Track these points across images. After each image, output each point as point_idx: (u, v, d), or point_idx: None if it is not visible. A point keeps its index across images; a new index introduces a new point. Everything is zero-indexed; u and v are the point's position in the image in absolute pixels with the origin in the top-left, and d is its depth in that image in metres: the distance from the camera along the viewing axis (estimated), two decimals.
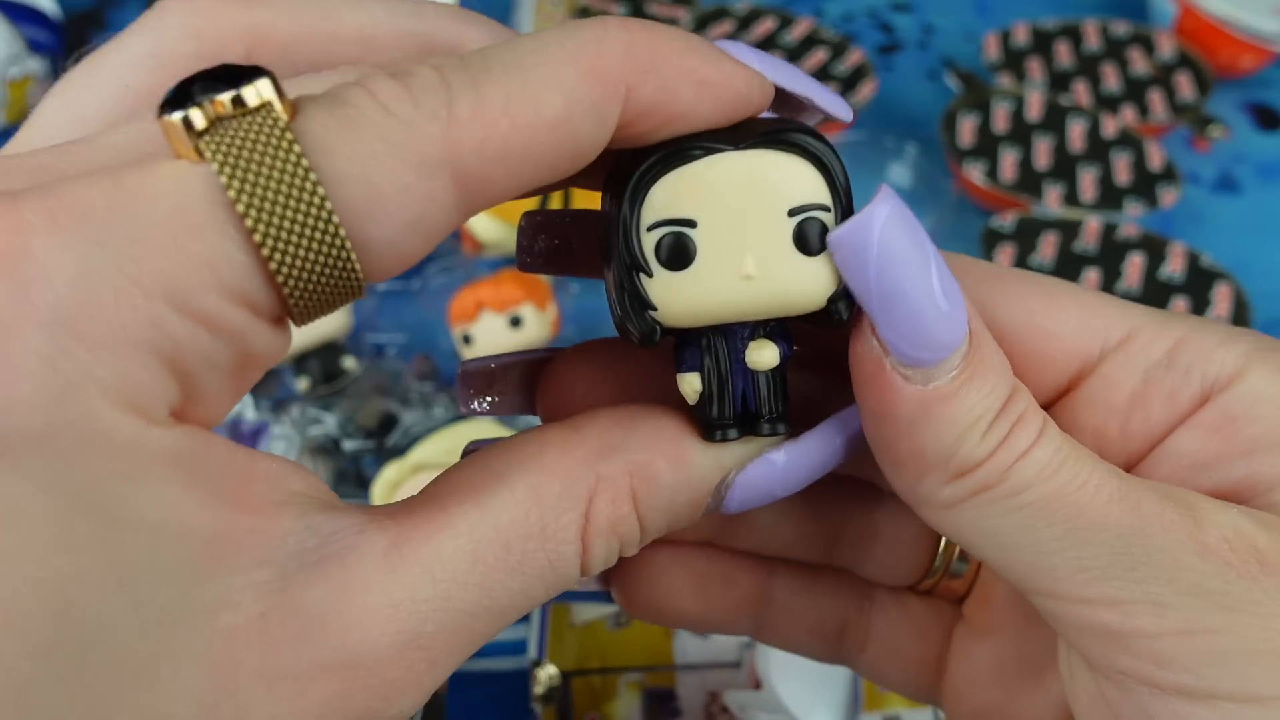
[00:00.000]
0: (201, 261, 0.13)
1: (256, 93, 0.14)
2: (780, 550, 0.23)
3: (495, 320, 0.44)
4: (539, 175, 0.16)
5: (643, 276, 0.17)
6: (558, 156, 0.15)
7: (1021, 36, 0.61)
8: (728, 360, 0.18)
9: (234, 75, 0.14)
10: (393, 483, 0.38)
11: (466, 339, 0.45)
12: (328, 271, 0.14)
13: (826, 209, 0.17)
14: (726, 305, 0.17)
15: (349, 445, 0.46)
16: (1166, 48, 0.60)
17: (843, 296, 0.17)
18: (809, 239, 0.17)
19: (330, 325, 0.45)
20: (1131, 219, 0.52)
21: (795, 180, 0.17)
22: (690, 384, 0.18)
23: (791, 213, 0.17)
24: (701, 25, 0.61)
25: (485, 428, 0.39)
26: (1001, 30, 0.61)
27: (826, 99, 0.18)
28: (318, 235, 0.14)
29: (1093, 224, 0.51)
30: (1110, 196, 0.52)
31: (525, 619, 0.36)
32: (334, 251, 0.14)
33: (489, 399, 0.21)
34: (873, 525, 0.22)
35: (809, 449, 0.18)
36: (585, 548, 0.17)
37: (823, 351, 0.19)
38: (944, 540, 0.22)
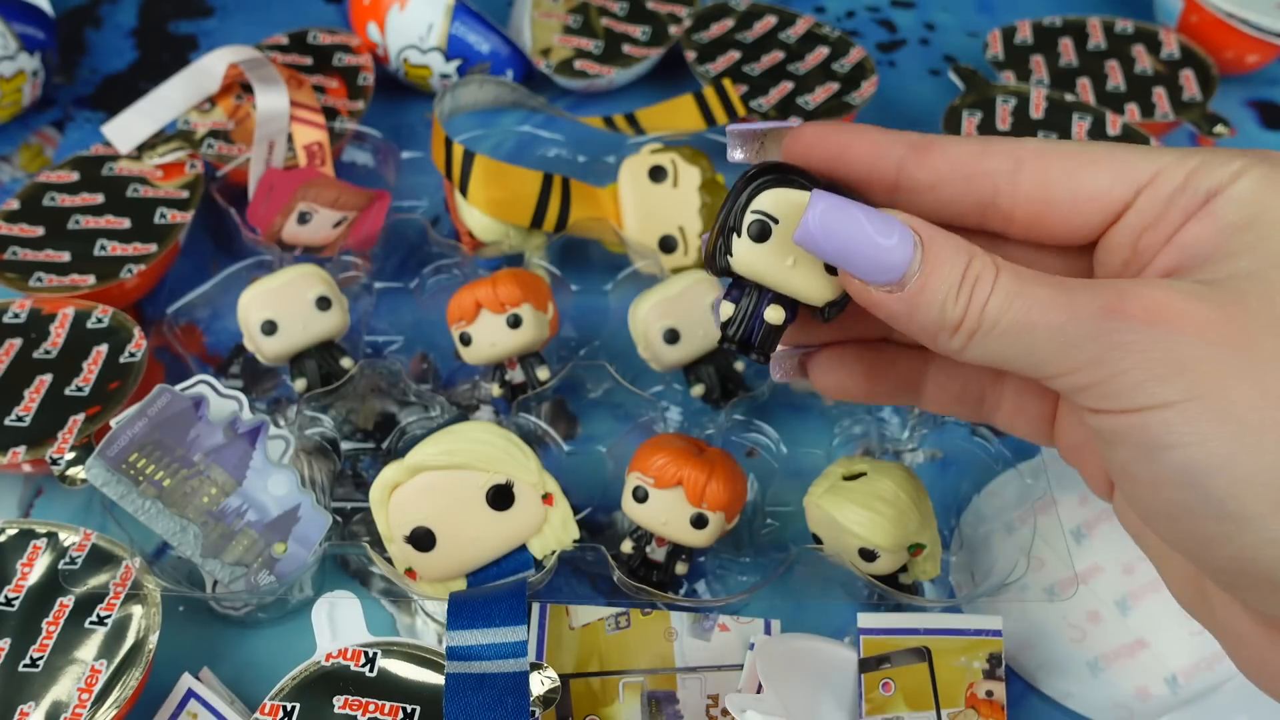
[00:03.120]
0: None
1: None
2: None
3: (494, 320, 0.44)
4: None
5: (735, 236, 0.29)
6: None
7: (1025, 33, 0.60)
8: (754, 307, 0.29)
9: None
10: (391, 484, 0.38)
11: (464, 339, 0.44)
12: None
13: None
14: (770, 275, 0.29)
15: (347, 446, 0.46)
16: (1171, 45, 0.59)
17: (834, 305, 0.29)
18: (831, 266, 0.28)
19: (327, 325, 0.44)
20: None
21: None
22: (725, 310, 0.30)
23: None
24: (701, 23, 0.60)
25: (484, 427, 0.38)
26: (1004, 27, 0.61)
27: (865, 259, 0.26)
28: None
29: None
30: None
31: (525, 621, 0.36)
32: None
33: (754, 151, 0.30)
34: None
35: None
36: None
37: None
38: None
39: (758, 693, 0.36)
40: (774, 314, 0.29)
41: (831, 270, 0.28)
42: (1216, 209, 0.26)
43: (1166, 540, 0.26)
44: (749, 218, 0.28)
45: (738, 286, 0.30)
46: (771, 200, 0.28)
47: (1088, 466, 0.30)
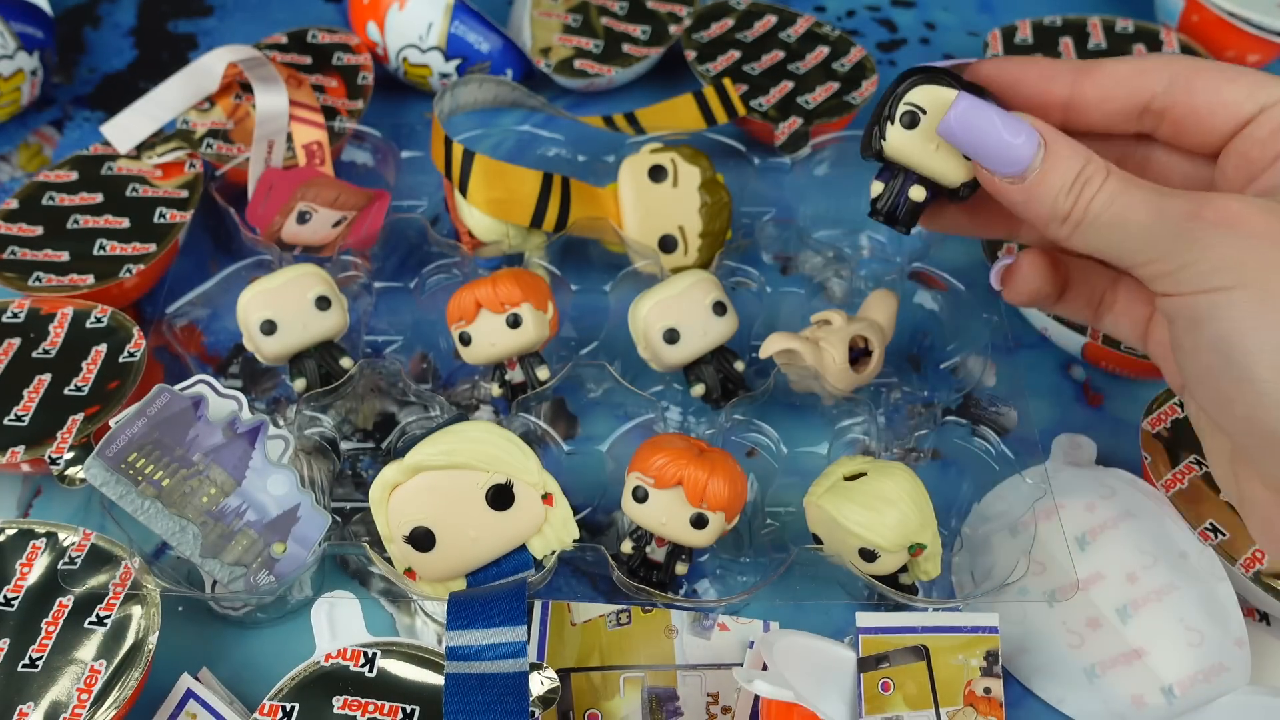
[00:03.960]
0: None
1: None
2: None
3: (493, 320, 0.43)
4: None
5: (888, 125, 0.35)
6: None
7: (1025, 33, 0.60)
8: (901, 185, 0.35)
9: None
10: (391, 483, 0.37)
11: (464, 339, 0.44)
12: None
13: None
14: (914, 158, 0.35)
15: (346, 446, 0.46)
16: (1172, 44, 0.59)
17: (968, 186, 0.35)
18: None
19: (327, 325, 0.44)
20: None
21: None
22: (875, 189, 0.36)
23: None
24: (701, 22, 0.60)
25: (484, 427, 0.38)
26: (1005, 26, 0.60)
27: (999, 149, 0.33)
28: None
29: None
30: None
31: (524, 621, 0.36)
32: None
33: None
34: None
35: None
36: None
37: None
38: None
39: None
40: (916, 192, 0.35)
41: (967, 156, 0.33)
42: None
43: (1201, 404, 0.33)
44: (902, 108, 0.34)
45: (888, 169, 0.36)
46: (922, 95, 0.34)
47: (1168, 364, 0.36)
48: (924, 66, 0.35)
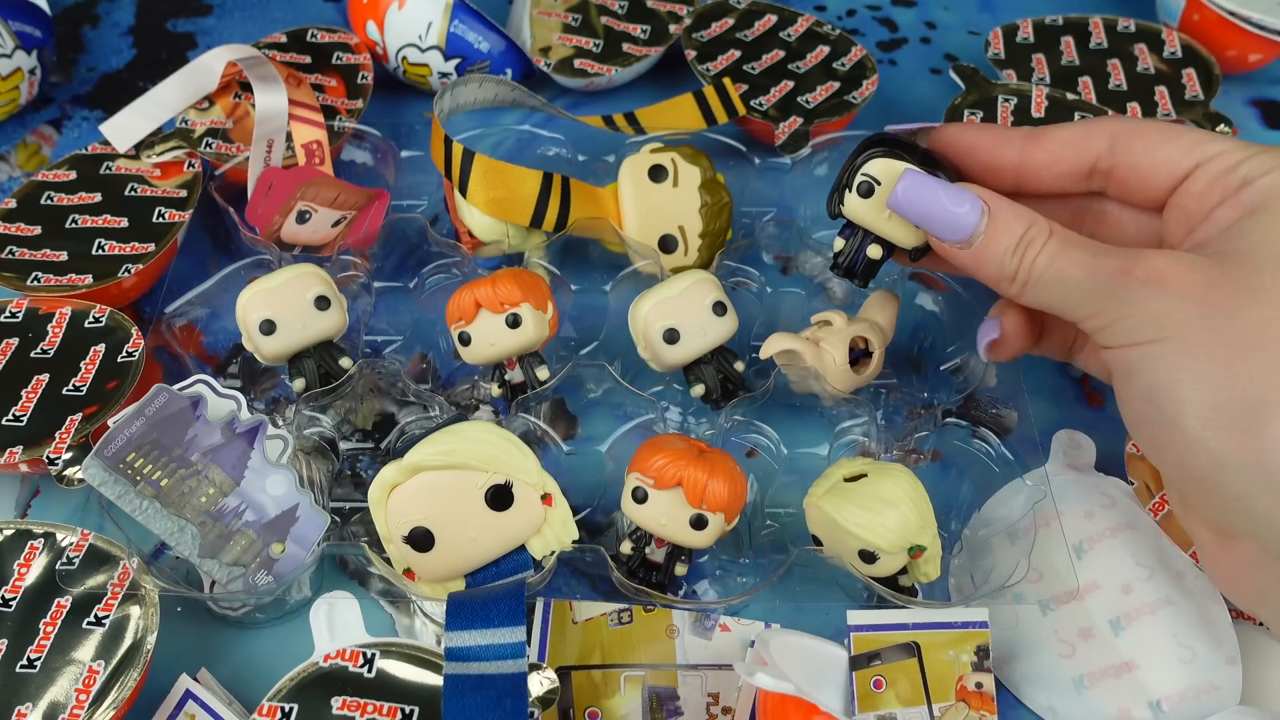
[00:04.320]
0: None
1: None
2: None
3: (493, 320, 0.43)
4: None
5: (847, 192, 0.39)
6: None
7: (1026, 31, 0.60)
8: (859, 244, 0.40)
9: None
10: (390, 483, 0.37)
11: (463, 339, 0.44)
12: None
13: None
14: (871, 222, 0.39)
15: (345, 446, 0.45)
16: (1173, 43, 0.59)
17: (919, 250, 0.39)
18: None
19: (326, 325, 0.44)
20: None
21: None
22: (838, 244, 0.40)
23: None
24: (702, 21, 0.60)
25: (483, 427, 0.38)
26: (1005, 25, 0.60)
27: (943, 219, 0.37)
28: None
29: None
30: None
31: (523, 622, 0.35)
32: None
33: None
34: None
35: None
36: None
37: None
38: None
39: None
40: (874, 251, 0.40)
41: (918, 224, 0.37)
42: (1244, 196, 0.34)
43: (1141, 447, 0.35)
44: (859, 178, 0.39)
45: (849, 228, 0.40)
46: (877, 167, 0.38)
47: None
48: (883, 136, 0.39)
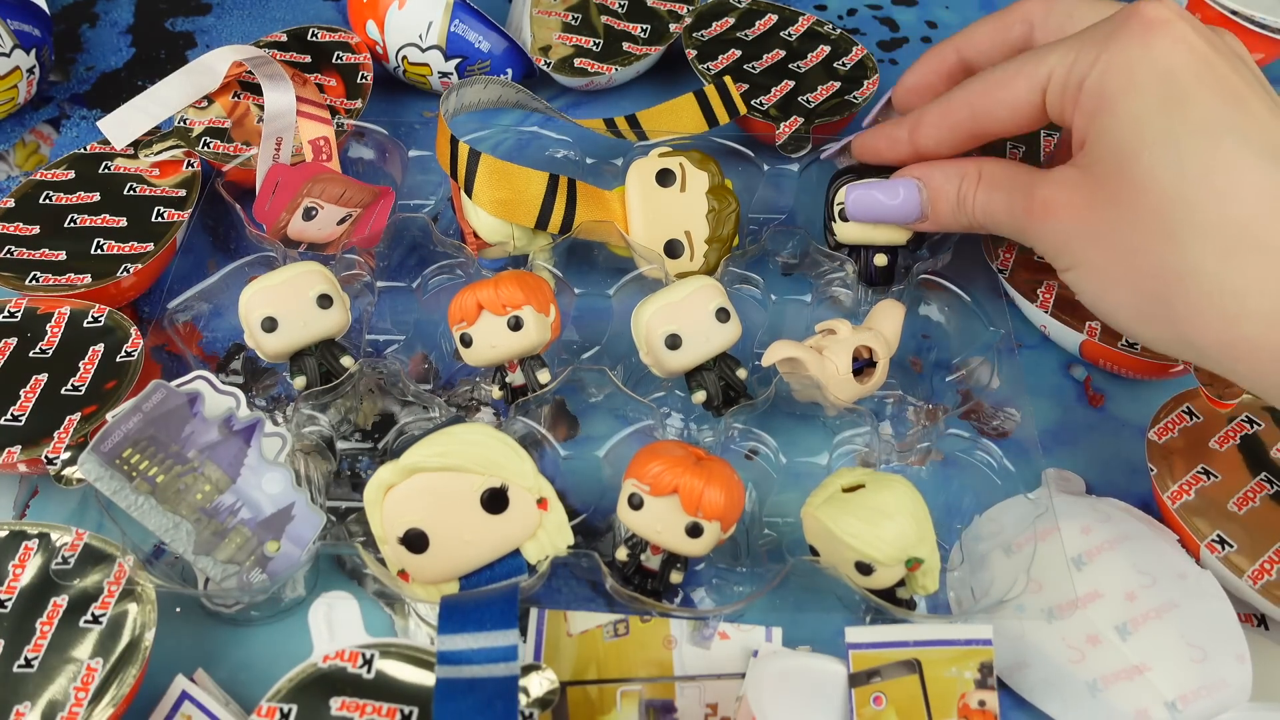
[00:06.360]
0: None
1: None
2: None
3: (495, 322, 0.43)
4: None
5: (832, 223, 0.47)
6: None
7: None
8: (866, 258, 0.47)
9: None
10: (386, 484, 0.37)
11: (465, 340, 0.44)
12: None
13: None
14: (861, 238, 0.46)
15: (344, 446, 0.45)
16: None
17: (913, 241, 0.46)
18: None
19: (328, 323, 0.44)
20: None
21: None
22: (849, 267, 0.47)
23: None
24: (702, 20, 0.60)
25: (480, 430, 0.38)
26: None
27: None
28: None
29: None
30: None
31: (516, 625, 0.35)
32: None
33: (844, 156, 0.50)
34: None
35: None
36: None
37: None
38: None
39: None
40: (880, 259, 0.47)
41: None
42: (1083, 103, 0.37)
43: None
44: (836, 208, 0.46)
45: (851, 249, 0.47)
46: (843, 194, 0.45)
47: None
48: (845, 169, 0.47)
